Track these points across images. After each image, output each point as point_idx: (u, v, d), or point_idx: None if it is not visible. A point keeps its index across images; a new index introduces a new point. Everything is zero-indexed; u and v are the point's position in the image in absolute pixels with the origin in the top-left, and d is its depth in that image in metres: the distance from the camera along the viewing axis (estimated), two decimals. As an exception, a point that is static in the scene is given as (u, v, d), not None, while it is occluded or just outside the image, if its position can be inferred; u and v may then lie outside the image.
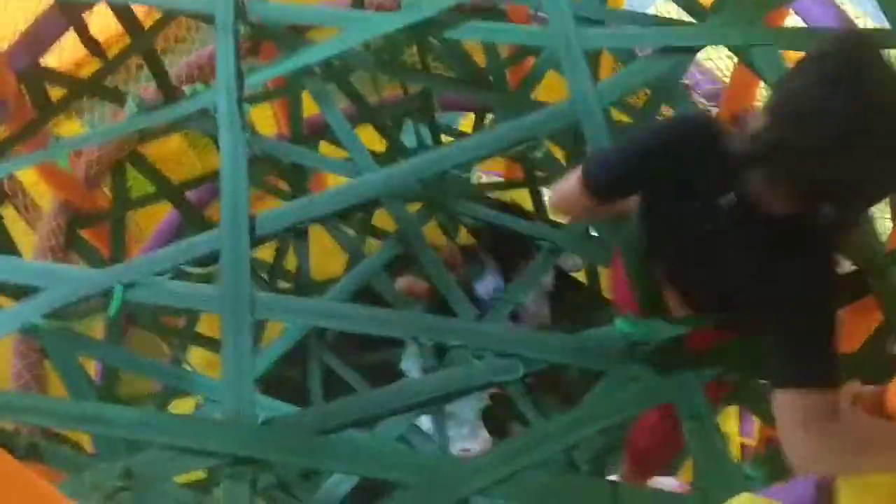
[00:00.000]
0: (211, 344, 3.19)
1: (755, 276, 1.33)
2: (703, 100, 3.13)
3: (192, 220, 3.27)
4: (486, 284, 3.61)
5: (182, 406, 3.07)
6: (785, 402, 1.25)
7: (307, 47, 1.98)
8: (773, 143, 1.15)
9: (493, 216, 2.52)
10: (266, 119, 3.63)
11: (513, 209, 3.59)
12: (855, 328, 1.78)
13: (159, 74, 3.07)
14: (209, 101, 1.87)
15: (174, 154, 3.62)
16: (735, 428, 3.14)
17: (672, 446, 2.06)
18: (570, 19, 1.93)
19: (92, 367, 2.83)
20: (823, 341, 1.26)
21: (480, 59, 3.31)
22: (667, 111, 2.87)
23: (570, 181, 1.52)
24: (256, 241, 1.75)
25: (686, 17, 2.57)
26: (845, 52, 1.10)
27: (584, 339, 1.62)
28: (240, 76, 1.85)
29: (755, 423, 2.99)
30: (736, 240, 1.36)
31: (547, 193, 3.50)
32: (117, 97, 3.02)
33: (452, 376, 1.60)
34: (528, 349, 1.58)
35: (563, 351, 1.61)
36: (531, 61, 3.44)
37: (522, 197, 3.83)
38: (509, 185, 3.98)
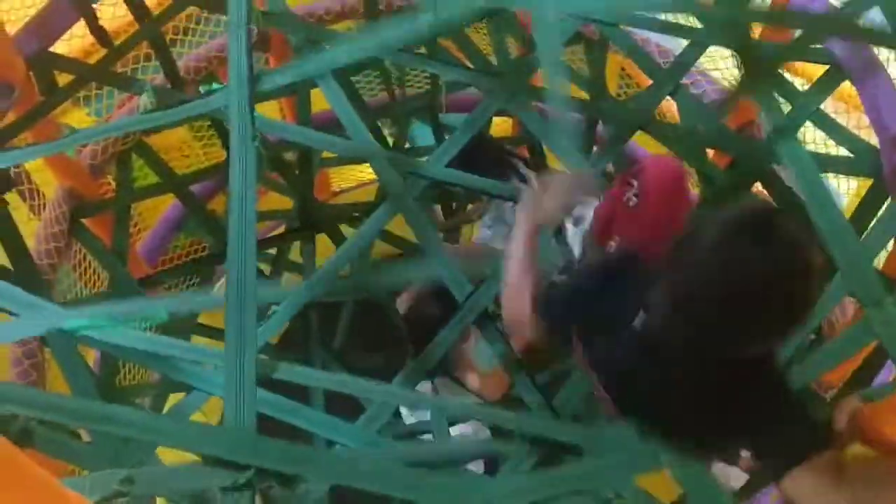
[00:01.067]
0: (213, 333, 3.19)
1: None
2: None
3: (196, 212, 3.27)
4: None
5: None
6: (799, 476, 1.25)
7: (323, 51, 1.97)
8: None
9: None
10: (273, 113, 3.63)
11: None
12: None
13: (167, 64, 3.06)
14: (223, 100, 1.86)
15: (179, 145, 3.61)
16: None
17: None
18: None
19: (91, 356, 2.84)
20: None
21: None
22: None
23: (524, 307, 1.59)
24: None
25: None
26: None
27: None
28: (252, 77, 1.84)
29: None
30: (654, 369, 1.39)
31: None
32: (125, 84, 3.02)
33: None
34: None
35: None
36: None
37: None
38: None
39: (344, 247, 2.19)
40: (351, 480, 1.42)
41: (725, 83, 3.17)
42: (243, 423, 1.49)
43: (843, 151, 2.29)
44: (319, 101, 2.95)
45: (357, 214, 3.50)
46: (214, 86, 1.90)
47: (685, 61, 2.47)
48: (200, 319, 3.27)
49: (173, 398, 3.11)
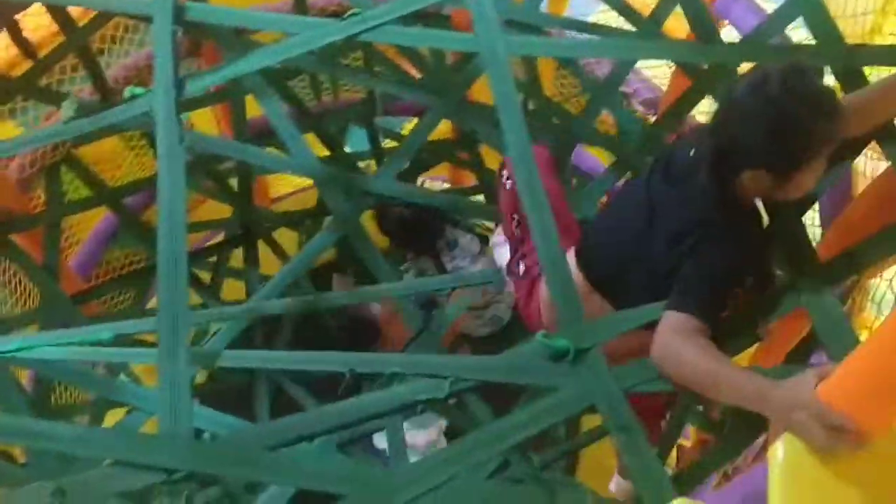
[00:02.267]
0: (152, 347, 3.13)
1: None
2: (641, 108, 3.18)
3: (130, 225, 3.21)
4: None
5: (118, 416, 3.01)
6: (669, 318, 1.51)
7: (249, 52, 1.95)
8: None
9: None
10: (207, 123, 3.58)
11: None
12: (784, 339, 1.83)
13: (95, 74, 3.00)
14: (147, 105, 1.83)
15: (110, 155, 3.53)
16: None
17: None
18: (496, 26, 1.94)
19: (24, 375, 2.76)
20: (712, 290, 1.54)
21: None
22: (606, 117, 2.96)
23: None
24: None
25: (626, 25, 2.64)
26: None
27: (508, 358, 1.66)
28: (178, 80, 1.82)
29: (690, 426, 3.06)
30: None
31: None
32: (51, 98, 2.95)
33: (384, 397, 1.62)
34: (456, 372, 1.60)
35: (489, 370, 1.65)
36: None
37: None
38: (461, 191, 3.96)
39: (287, 268, 2.20)
40: (286, 480, 1.41)
41: (656, 81, 3.25)
42: (179, 430, 1.46)
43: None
44: (255, 105, 2.96)
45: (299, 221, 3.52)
46: (138, 90, 1.86)
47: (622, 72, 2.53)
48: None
49: (111, 415, 3.05)
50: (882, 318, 1.97)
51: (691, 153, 1.67)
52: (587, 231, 1.95)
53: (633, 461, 1.46)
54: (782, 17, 2.12)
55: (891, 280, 1.93)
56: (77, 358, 1.75)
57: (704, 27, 2.20)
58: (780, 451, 1.20)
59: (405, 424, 3.14)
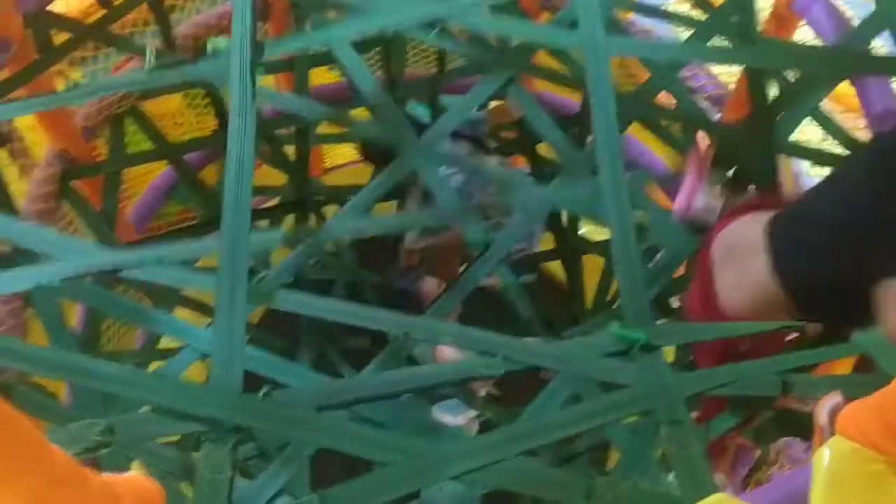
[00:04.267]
0: (199, 307, 3.18)
1: None
2: (707, 103, 3.13)
3: (188, 181, 3.25)
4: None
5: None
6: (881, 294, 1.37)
7: (330, 24, 1.96)
8: None
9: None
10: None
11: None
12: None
13: (164, 29, 3.04)
14: (223, 66, 1.85)
15: (173, 112, 3.58)
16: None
17: None
18: (600, 27, 1.95)
19: (74, 317, 2.83)
20: None
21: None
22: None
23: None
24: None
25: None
26: None
27: (569, 346, 1.66)
28: (255, 43, 1.83)
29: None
30: None
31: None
32: (123, 45, 2.99)
33: (441, 369, 1.64)
34: (521, 354, 1.61)
35: (544, 356, 1.65)
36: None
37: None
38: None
39: (351, 203, 2.21)
40: (335, 443, 1.43)
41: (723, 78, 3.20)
42: (231, 377, 1.49)
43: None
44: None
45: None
46: (221, 41, 1.87)
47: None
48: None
49: (154, 367, 3.11)
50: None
51: None
52: None
53: (678, 453, 1.46)
54: (868, 28, 2.07)
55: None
56: (131, 276, 1.77)
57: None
58: (826, 455, 1.19)
59: (436, 408, 3.17)
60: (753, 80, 2.34)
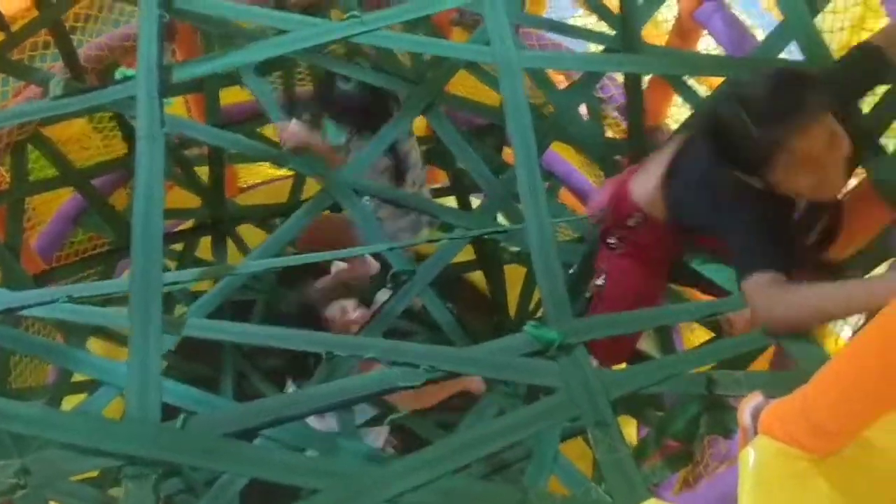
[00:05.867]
0: (114, 335, 3.07)
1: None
2: (616, 113, 3.22)
3: (97, 207, 3.14)
4: None
5: (75, 403, 2.96)
6: (745, 287, 1.58)
7: (244, 45, 1.93)
8: None
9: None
10: (177, 109, 3.52)
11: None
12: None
13: (67, 52, 2.94)
14: (130, 91, 1.80)
15: (78, 137, 3.45)
16: (634, 435, 3.24)
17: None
18: (511, 40, 1.99)
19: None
20: (754, 239, 1.60)
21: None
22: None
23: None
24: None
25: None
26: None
27: (490, 350, 1.68)
28: (162, 67, 1.79)
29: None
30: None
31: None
32: (23, 72, 2.88)
33: (359, 382, 1.62)
34: (441, 362, 1.60)
35: (469, 363, 1.67)
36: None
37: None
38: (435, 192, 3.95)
39: (271, 239, 2.18)
40: (266, 473, 1.40)
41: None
42: (147, 411, 1.44)
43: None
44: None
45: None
46: (129, 71, 1.82)
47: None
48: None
49: (67, 402, 2.99)
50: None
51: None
52: None
53: (607, 458, 1.48)
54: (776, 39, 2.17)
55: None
56: (41, 315, 1.70)
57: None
58: (752, 456, 1.23)
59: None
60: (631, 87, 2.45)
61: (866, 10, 2.23)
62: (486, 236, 2.52)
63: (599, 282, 2.20)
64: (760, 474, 1.21)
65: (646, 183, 2.02)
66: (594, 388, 1.55)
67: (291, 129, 2.49)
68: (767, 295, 1.55)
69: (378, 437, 2.97)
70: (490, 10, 2.11)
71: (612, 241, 2.17)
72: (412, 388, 1.61)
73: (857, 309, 1.49)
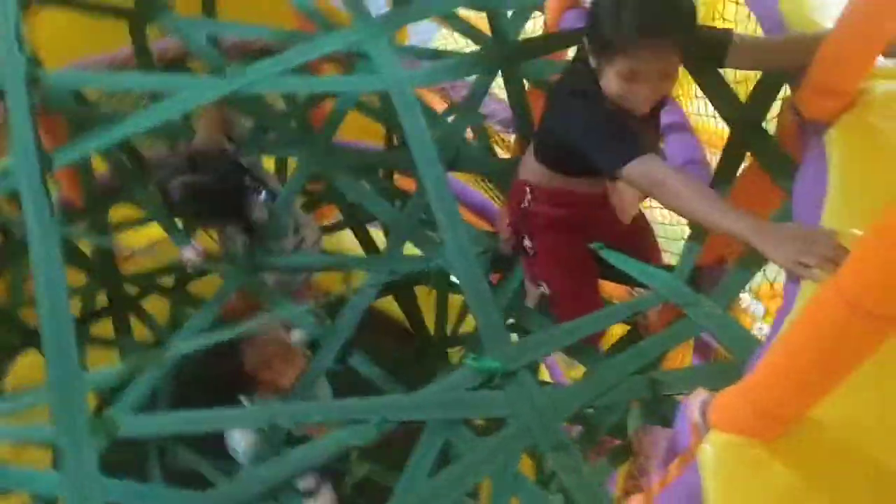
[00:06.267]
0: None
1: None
2: (500, 126, 3.29)
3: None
4: None
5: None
6: (621, 181, 1.70)
7: (111, 124, 1.84)
8: None
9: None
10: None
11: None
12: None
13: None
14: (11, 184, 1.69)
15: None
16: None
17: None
18: (399, 68, 1.99)
19: None
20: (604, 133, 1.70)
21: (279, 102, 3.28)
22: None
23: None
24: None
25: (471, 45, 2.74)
26: None
27: (437, 390, 1.67)
28: (42, 155, 1.69)
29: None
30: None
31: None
32: None
33: (313, 450, 1.58)
34: (390, 413, 1.59)
35: (419, 408, 1.66)
36: (329, 102, 3.46)
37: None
38: (330, 228, 3.88)
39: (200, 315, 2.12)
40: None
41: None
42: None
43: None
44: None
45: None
46: (6, 162, 1.70)
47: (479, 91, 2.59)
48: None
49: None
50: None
51: None
52: None
53: (571, 480, 1.50)
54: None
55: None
56: None
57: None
58: (709, 452, 1.26)
59: None
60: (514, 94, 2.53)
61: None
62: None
63: (528, 244, 2.24)
64: (721, 468, 1.24)
65: (526, 159, 2.14)
66: (545, 412, 1.57)
67: (187, 257, 2.50)
68: (653, 170, 1.62)
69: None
70: (374, 46, 2.12)
71: (526, 244, 2.22)
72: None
73: (717, 227, 1.56)
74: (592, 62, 1.73)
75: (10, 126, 1.73)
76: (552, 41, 2.46)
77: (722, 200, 1.57)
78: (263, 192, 2.55)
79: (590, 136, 1.72)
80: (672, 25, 1.64)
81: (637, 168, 1.62)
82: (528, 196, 2.14)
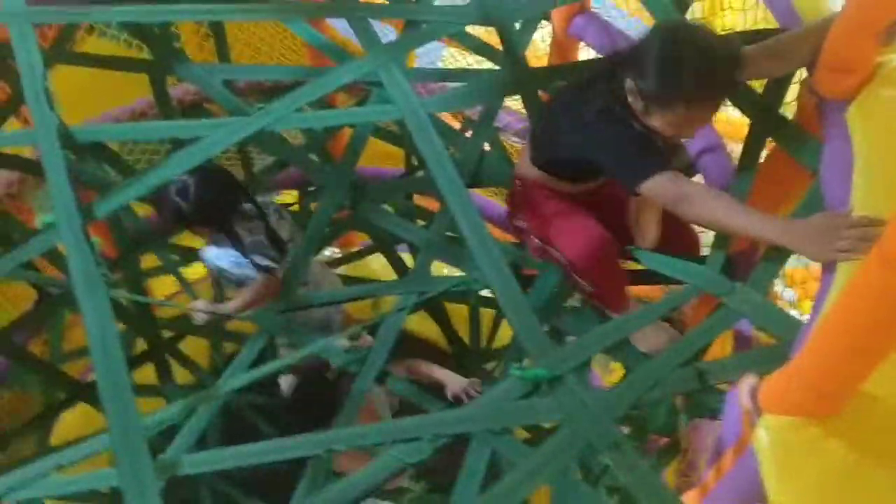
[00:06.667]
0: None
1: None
2: (515, 139, 3.31)
3: (26, 366, 2.96)
4: None
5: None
6: (645, 195, 1.75)
7: (144, 174, 1.90)
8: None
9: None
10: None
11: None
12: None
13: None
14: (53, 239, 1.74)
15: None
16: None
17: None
18: (412, 94, 2.02)
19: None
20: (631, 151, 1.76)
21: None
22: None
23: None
24: None
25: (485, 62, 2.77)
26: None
27: (485, 402, 1.68)
28: (80, 208, 1.73)
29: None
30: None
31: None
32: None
33: (370, 473, 1.60)
34: (443, 428, 1.60)
35: (469, 421, 1.67)
36: (347, 131, 3.51)
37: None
38: (358, 254, 3.92)
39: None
40: None
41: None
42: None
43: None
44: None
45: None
46: (50, 217, 1.75)
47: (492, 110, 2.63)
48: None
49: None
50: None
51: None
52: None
53: (630, 477, 1.50)
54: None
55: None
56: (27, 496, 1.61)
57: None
58: (763, 435, 1.27)
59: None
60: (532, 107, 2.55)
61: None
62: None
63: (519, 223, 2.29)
64: (777, 451, 1.25)
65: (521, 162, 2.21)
66: (597, 414, 1.58)
67: (196, 308, 2.53)
68: (676, 184, 1.69)
69: None
70: (387, 73, 2.16)
71: (519, 224, 2.29)
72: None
73: (747, 235, 1.67)
74: (636, 103, 1.75)
75: (47, 182, 1.78)
76: (565, 70, 2.49)
77: (748, 208, 1.63)
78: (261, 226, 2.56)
79: (618, 154, 1.79)
80: (731, 79, 1.69)
81: (662, 182, 1.69)
82: (519, 186, 2.21)
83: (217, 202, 2.39)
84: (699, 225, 1.81)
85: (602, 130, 1.81)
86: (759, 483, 1.24)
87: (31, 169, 2.73)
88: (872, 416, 1.26)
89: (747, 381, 1.44)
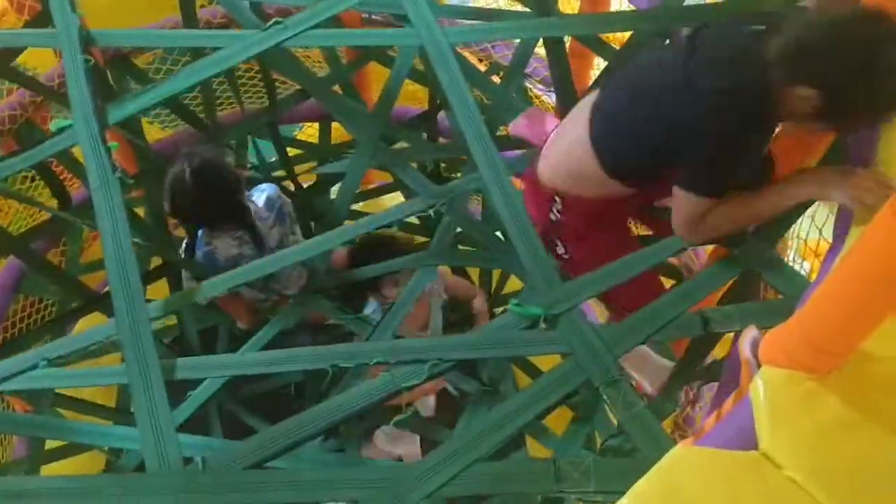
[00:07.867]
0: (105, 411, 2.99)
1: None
2: (541, 86, 3.27)
3: (41, 271, 3.00)
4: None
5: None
6: (681, 198, 1.73)
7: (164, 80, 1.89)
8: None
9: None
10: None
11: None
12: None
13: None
14: (72, 139, 1.74)
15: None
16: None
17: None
18: (434, 23, 1.99)
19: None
20: (721, 170, 1.69)
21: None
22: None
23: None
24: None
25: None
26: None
27: (487, 333, 1.68)
28: (98, 109, 1.74)
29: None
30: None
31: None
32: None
33: (366, 390, 1.61)
34: (447, 353, 1.61)
35: (472, 347, 1.68)
36: (370, 66, 3.48)
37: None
38: (378, 191, 3.91)
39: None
40: (298, 495, 1.38)
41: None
42: (170, 463, 1.41)
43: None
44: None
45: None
46: (64, 121, 1.76)
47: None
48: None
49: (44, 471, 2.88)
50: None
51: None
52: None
53: (626, 414, 1.51)
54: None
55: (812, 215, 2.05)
56: (33, 386, 1.63)
57: None
58: (760, 386, 1.26)
59: (383, 438, 3.14)
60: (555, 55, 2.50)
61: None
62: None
63: (561, 251, 2.17)
64: (773, 403, 1.24)
65: (556, 160, 2.03)
66: (598, 349, 1.59)
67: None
68: (694, 221, 1.73)
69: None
70: (411, 4, 2.12)
71: (559, 251, 2.15)
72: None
73: (771, 213, 1.70)
74: (800, 106, 1.53)
75: (67, 85, 1.78)
76: (597, 22, 2.43)
77: (758, 192, 1.68)
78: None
79: (721, 151, 1.66)
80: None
81: (705, 204, 1.70)
82: (559, 206, 2.05)
83: (206, 201, 2.45)
84: (735, 228, 1.75)
85: (737, 131, 1.62)
86: (753, 431, 1.24)
87: (46, 91, 2.74)
88: (872, 375, 1.26)
89: (749, 333, 1.44)
